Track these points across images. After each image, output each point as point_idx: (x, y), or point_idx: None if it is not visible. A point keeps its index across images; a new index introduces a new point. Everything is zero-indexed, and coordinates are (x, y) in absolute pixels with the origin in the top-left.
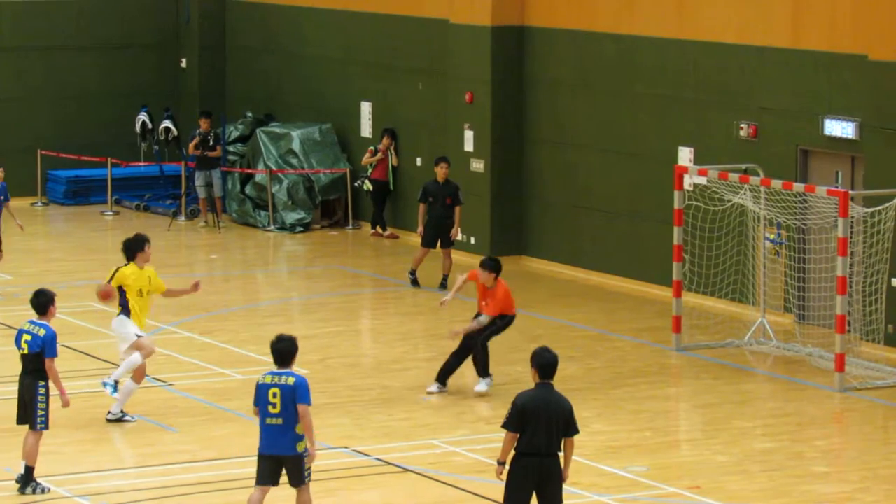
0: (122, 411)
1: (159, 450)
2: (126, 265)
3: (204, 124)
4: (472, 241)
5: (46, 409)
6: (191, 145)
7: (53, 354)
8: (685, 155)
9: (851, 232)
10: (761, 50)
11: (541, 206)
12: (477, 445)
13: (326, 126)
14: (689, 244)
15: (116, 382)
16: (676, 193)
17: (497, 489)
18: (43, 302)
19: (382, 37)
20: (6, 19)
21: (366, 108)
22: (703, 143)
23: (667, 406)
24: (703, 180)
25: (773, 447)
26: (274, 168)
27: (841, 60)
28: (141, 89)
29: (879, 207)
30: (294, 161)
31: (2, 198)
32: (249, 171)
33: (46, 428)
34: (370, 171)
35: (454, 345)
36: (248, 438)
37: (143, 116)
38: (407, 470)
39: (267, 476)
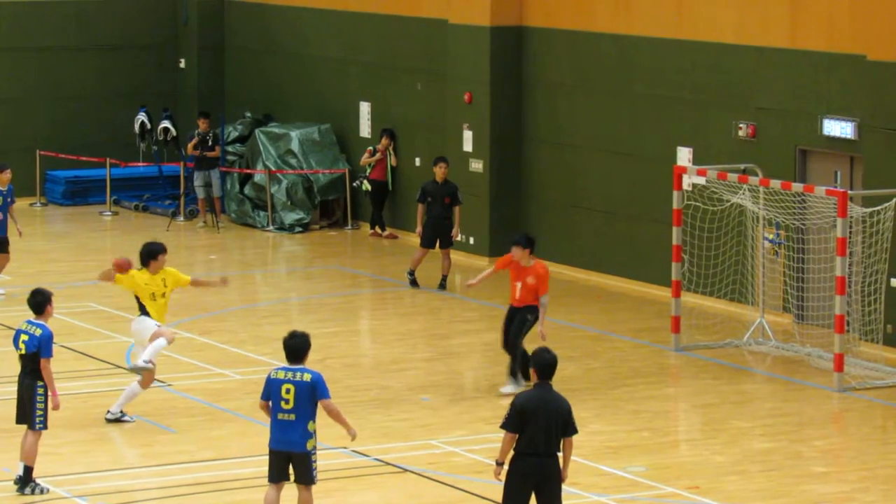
0: (121, 411)
1: (158, 450)
2: (139, 269)
3: (203, 124)
4: (471, 241)
5: (45, 410)
6: (189, 146)
7: (48, 354)
8: (684, 155)
9: (850, 232)
10: (760, 50)
11: (540, 206)
12: (476, 446)
13: (325, 126)
14: (688, 244)
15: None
16: (675, 193)
17: (496, 489)
18: (40, 301)
19: (381, 37)
20: (5, 20)
21: (364, 108)
22: (702, 144)
23: (666, 406)
24: (701, 180)
25: (772, 447)
26: (273, 168)
27: (840, 60)
28: (140, 90)
29: (878, 207)
30: (293, 161)
31: (9, 200)
32: (248, 171)
33: (45, 428)
34: (369, 171)
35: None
36: (246, 438)
37: (141, 117)
38: (406, 470)
39: (278, 473)
